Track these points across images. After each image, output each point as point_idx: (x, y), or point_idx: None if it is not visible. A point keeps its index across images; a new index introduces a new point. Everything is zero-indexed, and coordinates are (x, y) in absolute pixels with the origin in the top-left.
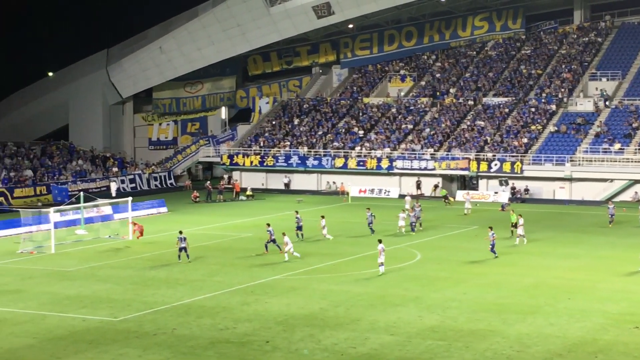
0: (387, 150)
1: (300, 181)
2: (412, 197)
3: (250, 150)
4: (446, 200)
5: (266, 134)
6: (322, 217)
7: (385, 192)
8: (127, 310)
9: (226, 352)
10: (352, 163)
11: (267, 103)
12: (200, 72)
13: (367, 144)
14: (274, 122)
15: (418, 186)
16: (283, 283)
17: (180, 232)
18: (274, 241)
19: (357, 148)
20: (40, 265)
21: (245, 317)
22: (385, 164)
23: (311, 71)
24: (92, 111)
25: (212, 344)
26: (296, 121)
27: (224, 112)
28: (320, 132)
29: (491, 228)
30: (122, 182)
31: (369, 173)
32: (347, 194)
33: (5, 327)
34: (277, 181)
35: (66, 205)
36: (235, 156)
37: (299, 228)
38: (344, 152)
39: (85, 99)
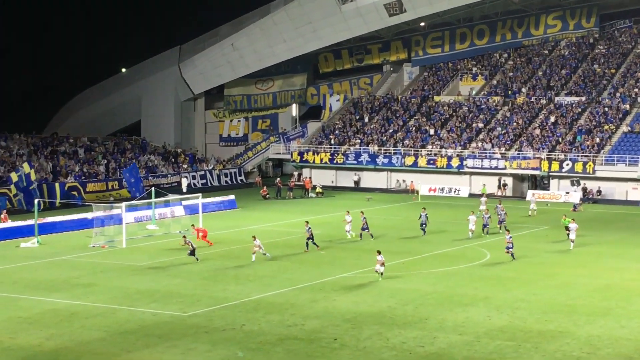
0: (458, 149)
1: (370, 179)
2: (496, 197)
3: (321, 147)
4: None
5: (336, 132)
6: (348, 212)
7: (455, 191)
8: (196, 305)
9: (294, 348)
10: (422, 161)
11: (338, 100)
12: (271, 69)
13: (437, 143)
14: (344, 120)
15: (500, 186)
16: (352, 281)
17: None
18: (311, 238)
19: (428, 146)
20: (112, 260)
21: (313, 314)
22: (455, 162)
23: (382, 69)
24: (164, 107)
25: (280, 340)
26: (367, 119)
27: (294, 109)
28: (390, 130)
29: (508, 231)
30: (193, 178)
31: (439, 172)
32: (417, 192)
33: (77, 320)
34: (346, 179)
35: (137, 200)
36: (305, 153)
37: (365, 229)
38: (414, 150)
39: (158, 95)
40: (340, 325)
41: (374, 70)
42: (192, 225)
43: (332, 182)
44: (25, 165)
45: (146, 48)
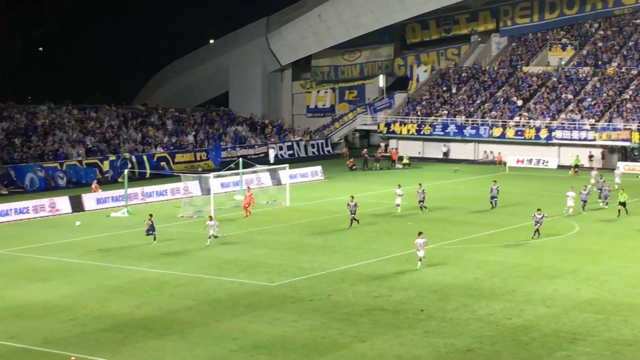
0: (546, 120)
1: (457, 150)
2: (586, 169)
3: (408, 118)
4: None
5: (423, 103)
6: (399, 186)
7: (543, 163)
8: (283, 275)
9: (381, 319)
10: (510, 133)
11: (425, 71)
12: (358, 40)
13: (525, 114)
14: (431, 91)
15: (603, 156)
16: (438, 252)
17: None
18: (353, 215)
19: (516, 117)
20: (200, 230)
21: (400, 285)
22: (544, 134)
23: (470, 39)
24: (251, 78)
25: (367, 311)
26: (454, 90)
27: (381, 80)
28: (478, 101)
29: (540, 210)
30: (280, 148)
31: (527, 143)
32: (505, 163)
33: (167, 288)
34: (433, 150)
35: (225, 170)
36: (392, 124)
37: (421, 201)
38: (502, 122)
39: (245, 66)
40: (427, 297)
41: (461, 41)
42: (248, 187)
43: (419, 153)
44: (126, 154)
45: (234, 19)
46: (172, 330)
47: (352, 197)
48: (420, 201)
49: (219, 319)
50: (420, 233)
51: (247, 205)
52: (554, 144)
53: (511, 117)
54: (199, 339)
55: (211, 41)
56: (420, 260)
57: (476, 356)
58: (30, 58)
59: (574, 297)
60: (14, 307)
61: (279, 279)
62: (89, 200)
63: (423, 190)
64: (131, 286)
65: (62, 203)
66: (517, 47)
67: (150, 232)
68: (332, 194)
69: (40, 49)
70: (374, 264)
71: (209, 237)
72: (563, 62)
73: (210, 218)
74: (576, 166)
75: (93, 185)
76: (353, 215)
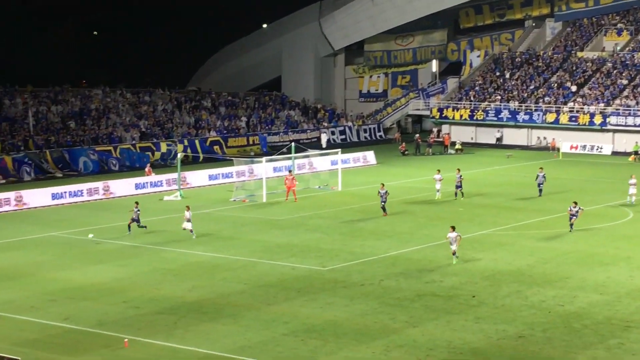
0: (601, 105)
1: (510, 136)
2: None
3: (460, 103)
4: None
5: (476, 88)
6: (438, 171)
7: (597, 149)
8: (335, 260)
9: (432, 305)
10: (564, 118)
11: (478, 56)
12: (411, 24)
13: (579, 99)
14: (484, 76)
15: None
16: (491, 238)
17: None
18: (383, 203)
19: (570, 103)
20: (252, 214)
21: (451, 271)
22: (598, 120)
23: (524, 24)
24: (304, 63)
25: (418, 296)
26: (507, 75)
27: (434, 65)
28: (531, 87)
29: (576, 203)
30: (333, 133)
31: (581, 129)
32: (558, 149)
33: (219, 272)
34: (486, 135)
35: (277, 155)
36: (444, 109)
37: (459, 186)
38: (556, 107)
39: (298, 51)
40: (479, 283)
41: (515, 26)
42: (290, 171)
43: (472, 138)
44: (180, 146)
45: (287, 4)
46: (224, 313)
47: (383, 184)
48: (457, 186)
49: (270, 303)
50: (452, 227)
51: (290, 189)
52: (608, 130)
53: (565, 103)
54: (251, 323)
55: (264, 25)
56: (454, 254)
57: (528, 343)
58: (85, 42)
59: (628, 284)
60: (69, 289)
61: (330, 264)
62: (142, 183)
63: (460, 176)
64: (184, 269)
65: (116, 186)
66: (571, 32)
67: (136, 221)
68: (384, 179)
69: (95, 32)
70: (425, 249)
71: (190, 231)
72: (618, 48)
73: (188, 208)
74: (636, 152)
75: (147, 169)
76: (383, 204)
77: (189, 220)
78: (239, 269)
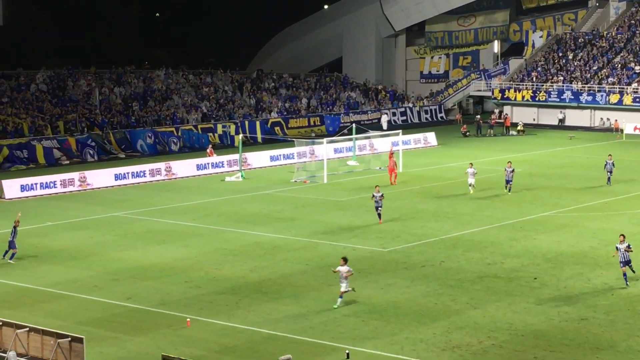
0: None
1: (573, 117)
2: None
3: (522, 84)
4: None
5: (539, 69)
6: (471, 164)
7: None
8: (396, 241)
9: (494, 286)
10: (627, 99)
11: (541, 37)
12: (473, 5)
13: None
14: (547, 57)
15: None
16: (553, 220)
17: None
18: (379, 208)
19: (634, 84)
20: (313, 195)
21: (513, 252)
22: None
23: (587, 4)
24: (365, 44)
25: (479, 278)
26: (570, 56)
27: (496, 46)
28: (595, 68)
29: (623, 236)
30: (394, 114)
31: None
32: (622, 131)
33: (280, 253)
34: (548, 116)
35: (338, 135)
36: (506, 90)
37: (509, 181)
38: (620, 88)
39: (359, 32)
40: (541, 265)
41: (578, 6)
42: (391, 151)
43: (534, 120)
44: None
45: None
46: (285, 293)
47: (377, 187)
48: (507, 181)
49: (331, 284)
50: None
51: (392, 172)
52: None
53: (629, 84)
54: (312, 303)
55: (325, 7)
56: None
57: (590, 325)
58: (147, 23)
59: None
60: (132, 268)
61: (391, 245)
62: (203, 164)
63: (512, 170)
64: (245, 250)
65: (178, 167)
66: (636, 12)
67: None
68: (445, 160)
69: (157, 14)
70: (486, 230)
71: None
72: None
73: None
74: None
75: (208, 150)
76: (379, 209)
77: None
78: (300, 250)
